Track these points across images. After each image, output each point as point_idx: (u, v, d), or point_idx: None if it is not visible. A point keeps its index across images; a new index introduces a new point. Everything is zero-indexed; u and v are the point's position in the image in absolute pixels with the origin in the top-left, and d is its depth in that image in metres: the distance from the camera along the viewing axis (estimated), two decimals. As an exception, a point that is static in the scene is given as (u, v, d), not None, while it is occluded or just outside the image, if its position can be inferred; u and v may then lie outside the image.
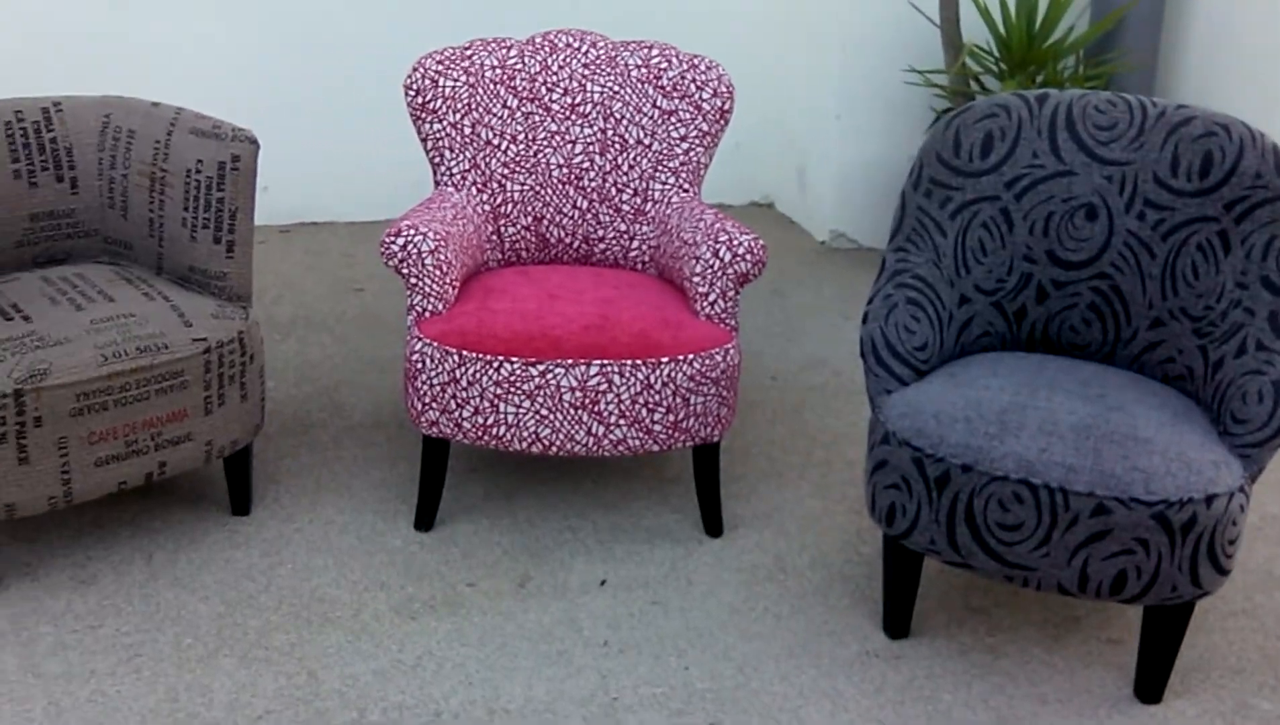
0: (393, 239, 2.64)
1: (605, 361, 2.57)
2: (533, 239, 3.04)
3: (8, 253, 2.84)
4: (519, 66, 3.03)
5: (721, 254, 2.68)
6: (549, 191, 3.02)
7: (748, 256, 2.67)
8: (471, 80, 2.98)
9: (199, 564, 2.62)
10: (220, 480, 2.93)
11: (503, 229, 3.01)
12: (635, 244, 3.03)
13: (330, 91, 4.66)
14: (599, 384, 2.58)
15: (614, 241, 3.05)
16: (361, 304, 4.00)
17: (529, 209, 3.02)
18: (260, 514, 2.81)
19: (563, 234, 3.05)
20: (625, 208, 3.03)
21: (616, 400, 2.59)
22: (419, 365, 2.63)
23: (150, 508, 2.82)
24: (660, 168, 3.02)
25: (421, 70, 2.94)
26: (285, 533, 2.74)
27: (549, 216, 3.03)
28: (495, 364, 2.58)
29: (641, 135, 3.02)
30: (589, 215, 3.04)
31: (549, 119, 3.02)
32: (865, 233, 4.73)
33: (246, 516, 2.80)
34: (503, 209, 3.00)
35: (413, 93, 2.93)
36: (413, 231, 2.64)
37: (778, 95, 5.00)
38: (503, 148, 2.99)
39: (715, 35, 4.94)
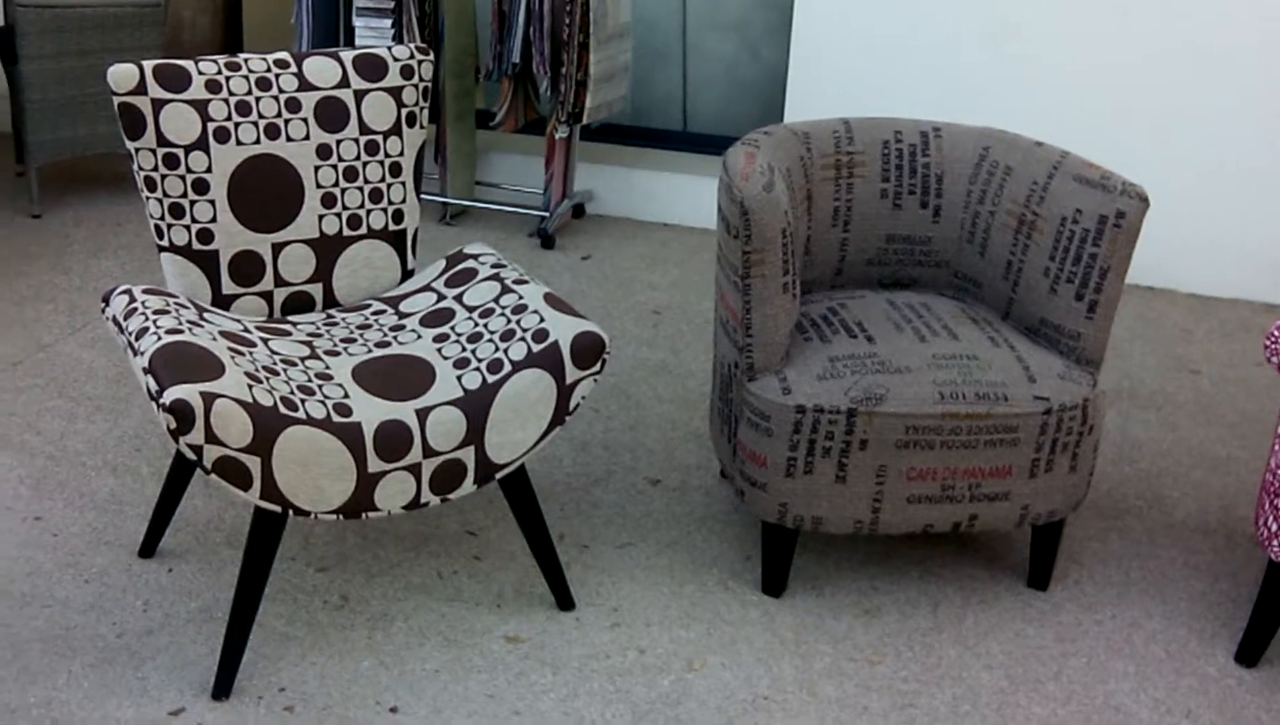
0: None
1: None
2: None
3: (858, 269, 3.03)
4: None
5: None
6: None
7: None
8: None
9: (986, 628, 2.62)
10: (1020, 546, 2.91)
11: None
12: None
13: (1209, 150, 4.47)
14: None
15: None
16: (1196, 388, 3.79)
17: None
18: (1058, 593, 2.75)
19: None
20: None
21: None
22: (1284, 479, 2.42)
23: (941, 555, 2.88)
24: None
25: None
26: (1084, 622, 2.66)
27: None
28: (1388, 500, 2.30)
29: None
30: None
31: None
32: None
33: (1043, 592, 2.75)
34: None
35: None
36: (1308, 325, 2.42)
37: None
38: None
39: None
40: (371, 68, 2.84)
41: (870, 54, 4.68)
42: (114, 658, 2.44)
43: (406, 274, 2.88)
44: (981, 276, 2.92)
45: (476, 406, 2.41)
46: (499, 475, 2.46)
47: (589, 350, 2.47)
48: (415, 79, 2.86)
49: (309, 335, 2.64)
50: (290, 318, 2.74)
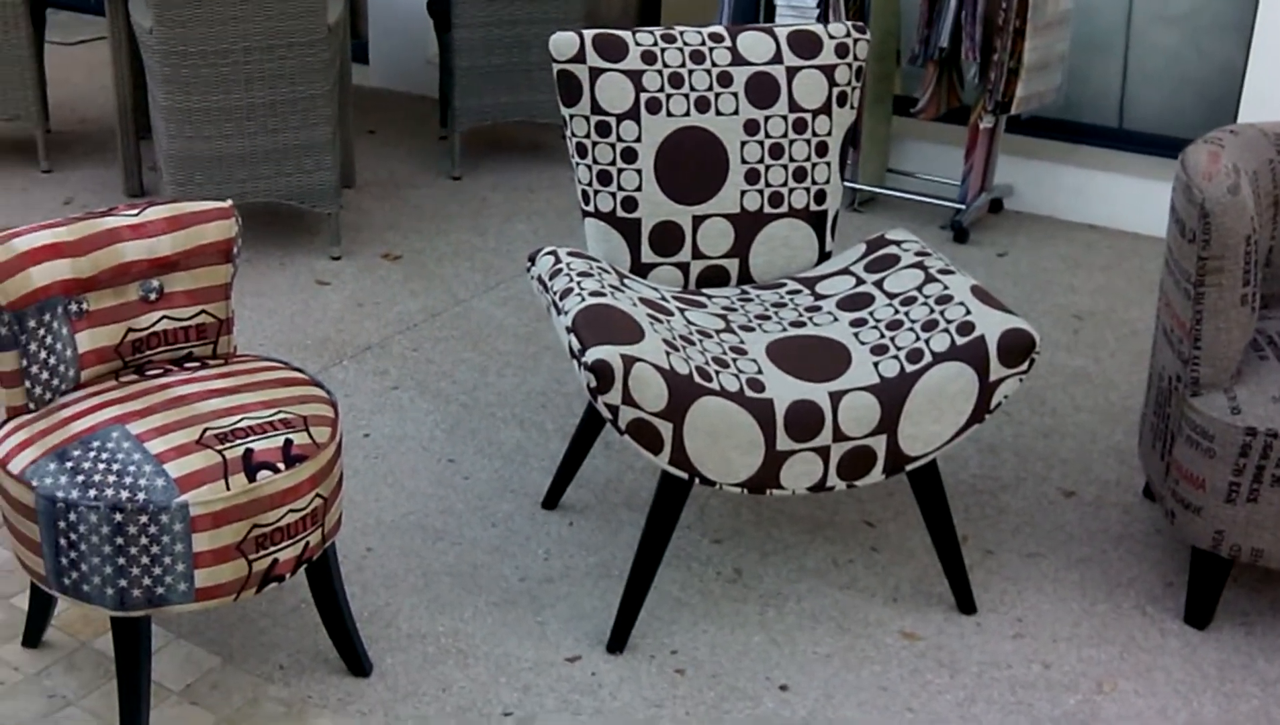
0: None
1: None
2: None
3: (1320, 286, 2.88)
4: None
5: None
6: None
7: None
8: None
9: None
10: None
11: None
12: None
13: None
14: None
15: None
16: None
17: None
18: None
19: None
20: None
21: None
22: None
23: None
24: None
25: None
26: None
27: None
28: None
29: None
30: None
31: None
32: None
33: None
34: None
35: None
36: None
37: None
38: None
39: None
40: (806, 45, 2.92)
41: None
42: (516, 600, 2.63)
43: (824, 255, 2.95)
44: None
45: (892, 395, 2.45)
46: (909, 468, 2.49)
47: (1017, 348, 2.46)
48: (849, 58, 2.92)
49: (724, 309, 2.74)
50: (705, 291, 2.86)
